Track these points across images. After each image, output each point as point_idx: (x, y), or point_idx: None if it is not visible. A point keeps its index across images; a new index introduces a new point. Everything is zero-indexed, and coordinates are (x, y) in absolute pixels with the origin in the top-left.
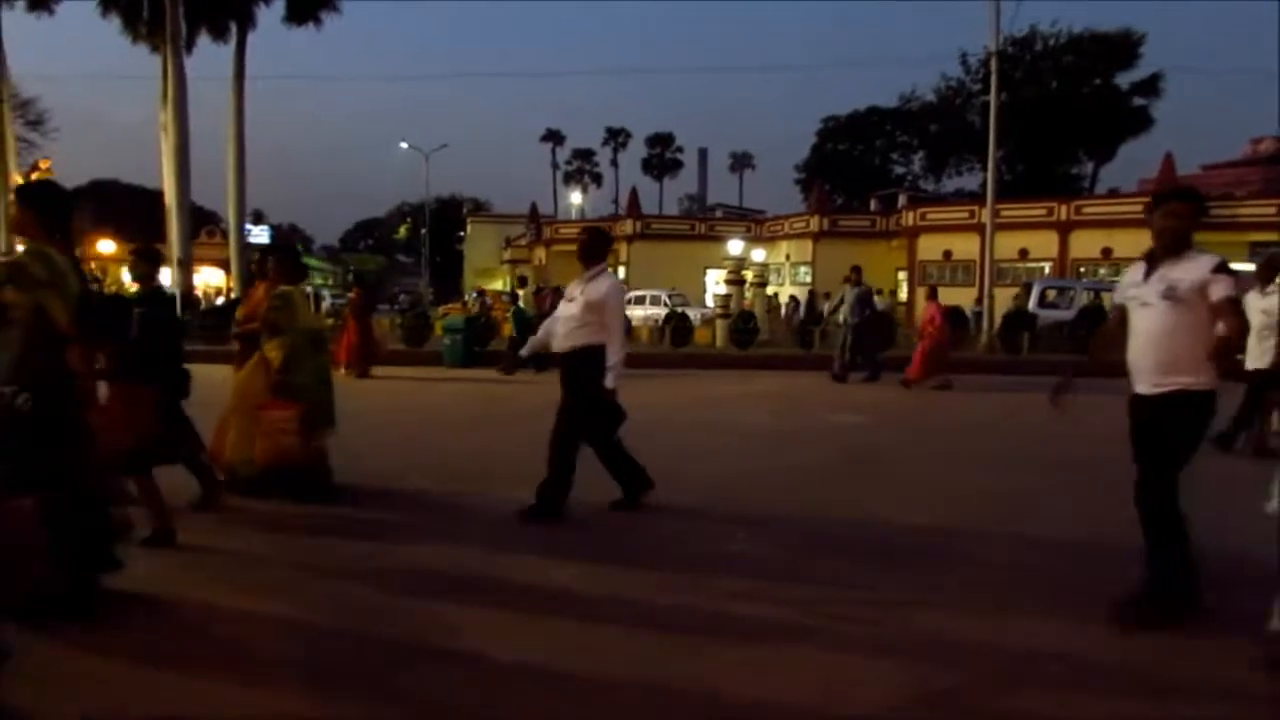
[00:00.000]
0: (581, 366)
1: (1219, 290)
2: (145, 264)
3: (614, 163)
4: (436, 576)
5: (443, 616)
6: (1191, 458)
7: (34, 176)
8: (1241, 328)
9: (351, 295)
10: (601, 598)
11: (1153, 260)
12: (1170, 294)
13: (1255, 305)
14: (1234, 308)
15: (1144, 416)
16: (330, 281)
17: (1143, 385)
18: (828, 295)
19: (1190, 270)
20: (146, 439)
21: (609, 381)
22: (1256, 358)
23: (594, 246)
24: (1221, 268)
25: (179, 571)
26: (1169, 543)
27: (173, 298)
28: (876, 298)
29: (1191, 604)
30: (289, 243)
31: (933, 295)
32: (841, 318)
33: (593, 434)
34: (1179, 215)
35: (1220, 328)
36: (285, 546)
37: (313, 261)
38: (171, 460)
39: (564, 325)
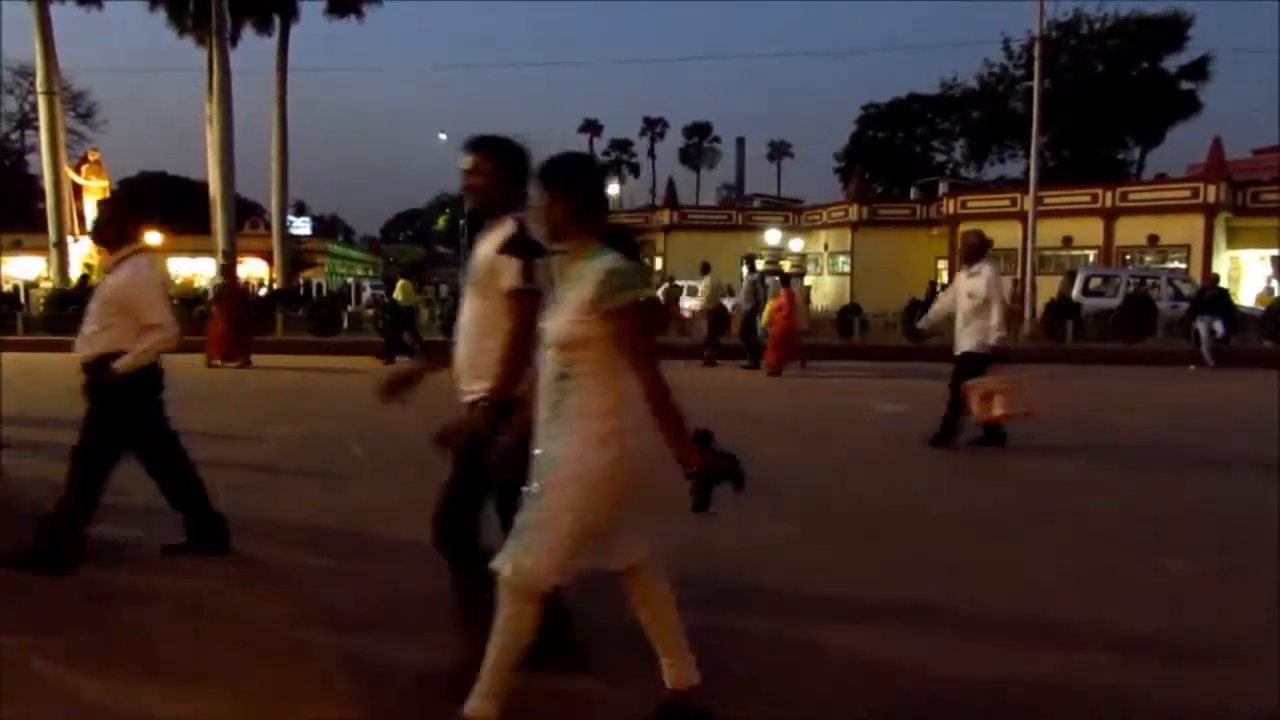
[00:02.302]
0: (101, 381)
1: (506, 278)
2: None
3: (651, 153)
4: None
5: None
6: (482, 491)
7: (84, 168)
8: (522, 339)
9: (220, 282)
10: None
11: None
12: (471, 277)
13: (962, 287)
14: (523, 305)
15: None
16: (371, 272)
17: (462, 391)
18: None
19: (490, 244)
20: None
21: (120, 364)
22: (961, 341)
23: (116, 223)
24: (514, 244)
25: None
26: (470, 590)
27: None
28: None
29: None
30: None
31: (786, 283)
32: (732, 305)
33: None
34: (474, 172)
35: (506, 331)
36: None
37: (353, 252)
38: None
39: (85, 326)
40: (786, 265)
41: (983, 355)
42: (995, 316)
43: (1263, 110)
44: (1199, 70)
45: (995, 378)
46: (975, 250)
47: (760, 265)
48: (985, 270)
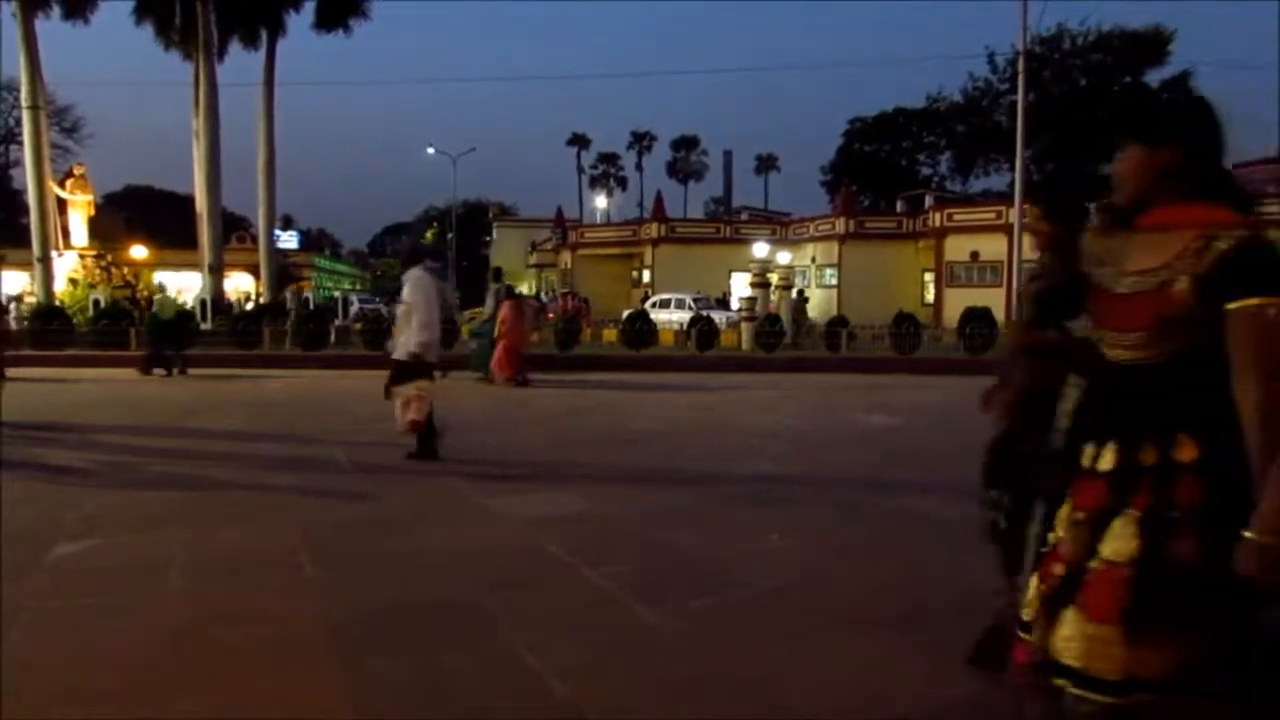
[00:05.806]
0: None
1: None
2: None
3: (639, 166)
4: None
5: None
6: None
7: (69, 183)
8: None
9: None
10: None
11: None
12: None
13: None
14: None
15: None
16: (359, 286)
17: None
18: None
19: None
20: None
21: None
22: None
23: None
24: None
25: None
26: None
27: None
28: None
29: None
30: None
31: (510, 296)
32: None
33: None
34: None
35: None
36: None
37: (341, 266)
38: None
39: None
40: (774, 278)
41: (406, 363)
42: (415, 322)
43: (1244, 125)
44: (1181, 84)
45: (413, 385)
46: (404, 258)
47: (749, 279)
48: (412, 277)
